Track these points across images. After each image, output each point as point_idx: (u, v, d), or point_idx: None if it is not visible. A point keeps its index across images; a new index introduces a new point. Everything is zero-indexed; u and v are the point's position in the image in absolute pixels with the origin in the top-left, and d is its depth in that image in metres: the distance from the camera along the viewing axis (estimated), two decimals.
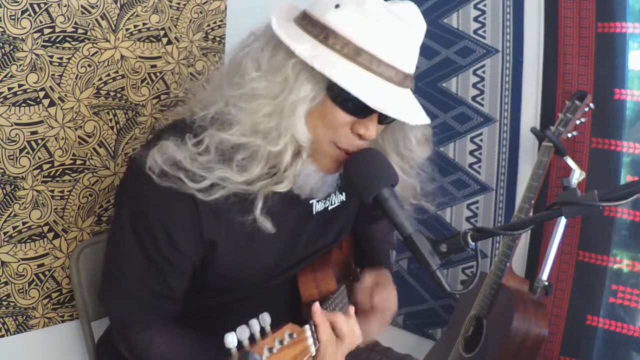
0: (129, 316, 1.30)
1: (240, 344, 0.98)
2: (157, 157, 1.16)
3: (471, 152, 2.13)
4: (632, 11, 1.75)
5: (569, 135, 1.80)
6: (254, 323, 1.00)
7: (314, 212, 1.37)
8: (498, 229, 1.18)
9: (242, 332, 0.98)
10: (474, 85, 2.09)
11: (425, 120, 1.21)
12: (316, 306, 1.13)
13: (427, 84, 2.20)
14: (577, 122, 1.80)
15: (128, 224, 1.24)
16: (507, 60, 2.01)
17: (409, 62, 1.17)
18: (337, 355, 1.13)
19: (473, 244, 1.10)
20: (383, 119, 1.20)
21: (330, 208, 1.40)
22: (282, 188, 1.17)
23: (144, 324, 1.29)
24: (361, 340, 1.17)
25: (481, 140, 2.10)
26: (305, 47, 1.12)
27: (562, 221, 1.80)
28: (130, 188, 1.26)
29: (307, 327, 1.06)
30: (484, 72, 2.07)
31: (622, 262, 1.82)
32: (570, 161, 1.79)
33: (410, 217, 1.18)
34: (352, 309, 1.20)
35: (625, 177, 1.82)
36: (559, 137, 1.78)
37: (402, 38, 1.15)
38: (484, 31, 2.05)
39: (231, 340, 0.97)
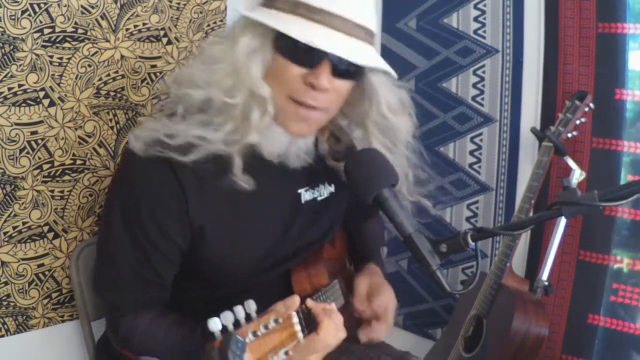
0: (117, 300, 1.32)
1: (224, 329, 0.97)
2: (138, 133, 1.22)
3: (471, 152, 2.13)
4: (633, 12, 1.75)
5: (569, 135, 1.80)
6: (239, 309, 0.99)
7: (303, 202, 1.38)
8: (498, 229, 1.19)
9: (227, 317, 0.98)
10: (474, 85, 2.09)
11: (374, 62, 1.21)
12: (295, 299, 1.11)
13: (427, 84, 2.20)
14: (577, 122, 1.80)
15: (117, 210, 1.27)
16: (507, 60, 2.01)
17: (354, 11, 1.18)
18: (328, 347, 1.12)
19: (473, 244, 1.10)
20: (337, 72, 1.19)
21: (319, 199, 1.42)
22: (253, 139, 1.21)
23: (131, 308, 1.30)
24: (343, 335, 1.15)
25: (481, 140, 2.10)
26: (253, 12, 1.19)
27: (562, 221, 1.80)
28: (118, 173, 1.31)
29: (294, 313, 1.05)
30: (484, 72, 2.07)
31: (622, 262, 1.82)
32: (570, 161, 1.79)
33: (410, 217, 1.19)
34: (333, 305, 1.17)
35: (626, 177, 1.82)
36: (559, 137, 1.78)
37: None
38: (484, 31, 2.05)
39: (215, 324, 0.96)
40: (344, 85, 1.24)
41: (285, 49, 1.18)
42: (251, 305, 1.00)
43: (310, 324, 1.11)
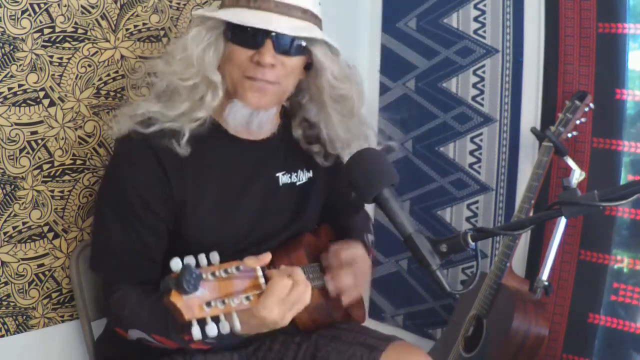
0: (110, 276, 1.41)
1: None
2: (114, 119, 1.42)
3: (471, 152, 2.14)
4: (633, 12, 1.75)
5: (569, 135, 1.81)
6: (202, 257, 1.02)
7: (280, 184, 1.49)
8: (498, 229, 1.19)
9: (189, 259, 1.00)
10: (474, 85, 2.10)
11: (303, 32, 1.34)
12: (267, 255, 1.13)
13: (427, 84, 2.20)
14: (577, 122, 1.80)
15: (106, 191, 1.43)
16: (507, 60, 2.01)
17: None
18: (285, 298, 1.12)
19: (473, 244, 1.10)
20: (280, 49, 1.33)
21: (298, 184, 1.52)
22: (201, 114, 1.36)
23: (123, 284, 1.37)
24: (309, 297, 1.15)
25: (481, 140, 2.10)
26: (204, 12, 1.38)
27: (562, 221, 1.80)
28: (109, 159, 1.51)
29: (258, 267, 1.07)
30: (484, 72, 2.07)
31: (623, 261, 1.83)
32: (570, 161, 1.79)
33: (410, 218, 1.19)
34: (298, 270, 1.17)
35: (626, 177, 1.82)
36: (559, 137, 1.78)
37: None
38: (484, 31, 2.05)
39: (175, 264, 0.98)
40: (289, 61, 1.36)
41: (233, 36, 1.35)
42: (215, 256, 1.05)
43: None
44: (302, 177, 1.54)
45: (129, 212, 1.36)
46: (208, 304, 1.00)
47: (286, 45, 1.34)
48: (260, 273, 1.08)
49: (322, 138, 1.50)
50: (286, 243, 1.49)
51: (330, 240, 1.59)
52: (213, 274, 1.02)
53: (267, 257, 1.12)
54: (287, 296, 1.11)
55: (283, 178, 1.50)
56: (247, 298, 1.05)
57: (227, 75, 1.37)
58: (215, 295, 1.01)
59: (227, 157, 1.42)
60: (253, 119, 1.40)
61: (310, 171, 1.55)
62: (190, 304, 0.99)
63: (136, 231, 1.36)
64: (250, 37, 1.33)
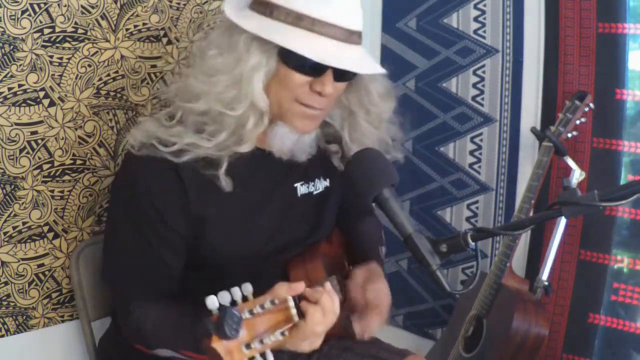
0: (129, 293, 1.35)
1: (222, 307, 0.98)
2: (135, 132, 1.30)
3: (471, 152, 2.13)
4: (633, 12, 1.75)
5: (569, 135, 1.80)
6: (236, 290, 1.01)
7: (299, 195, 1.44)
8: (498, 229, 1.19)
9: (224, 296, 0.99)
10: (474, 85, 2.09)
11: (374, 69, 1.32)
12: (301, 284, 1.12)
13: (427, 84, 2.20)
14: (577, 122, 1.80)
15: (121, 205, 1.35)
16: (507, 60, 2.01)
17: (350, 18, 1.28)
18: (320, 331, 1.13)
19: (473, 244, 1.10)
20: (338, 77, 1.28)
21: (315, 193, 1.47)
22: (244, 149, 1.28)
23: (140, 300, 1.33)
24: (333, 319, 1.16)
25: (481, 140, 2.10)
26: (254, 23, 1.25)
27: (563, 221, 1.80)
28: (120, 171, 1.41)
29: (290, 297, 1.06)
30: (484, 72, 2.07)
31: (623, 261, 1.83)
32: (570, 161, 1.79)
33: (410, 218, 1.19)
34: (327, 284, 1.19)
35: (626, 177, 1.82)
36: (559, 137, 1.78)
37: None
38: (484, 31, 2.05)
39: (212, 302, 0.98)
40: (342, 86, 1.33)
41: (292, 61, 1.25)
42: (248, 287, 1.03)
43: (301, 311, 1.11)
44: (319, 185, 1.49)
45: (146, 228, 1.30)
46: (247, 345, 1.00)
47: (345, 74, 1.30)
48: (292, 304, 1.06)
49: (344, 140, 1.45)
50: (302, 253, 1.45)
51: (345, 251, 1.57)
52: (250, 311, 1.01)
53: (300, 286, 1.11)
54: (319, 327, 1.12)
55: (301, 189, 1.45)
56: (282, 333, 1.05)
57: (273, 96, 1.28)
58: (253, 334, 1.01)
59: (248, 170, 1.34)
60: (299, 145, 1.35)
61: (328, 179, 1.50)
62: (230, 348, 0.98)
63: (154, 247, 1.31)
64: (311, 65, 1.24)
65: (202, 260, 1.36)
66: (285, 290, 1.08)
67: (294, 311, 1.06)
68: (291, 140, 1.34)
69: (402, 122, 1.50)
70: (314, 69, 1.25)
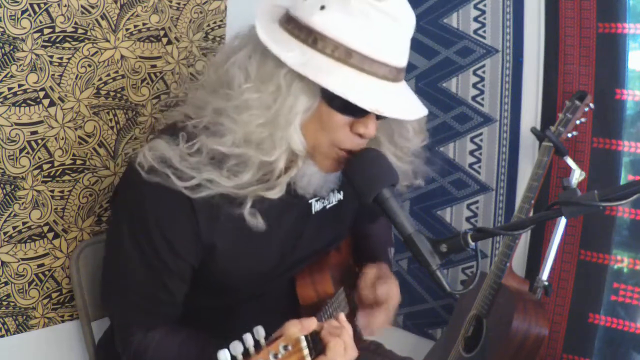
0: (129, 320, 1.30)
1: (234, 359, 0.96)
2: (148, 154, 1.16)
3: (471, 152, 2.13)
4: (633, 12, 1.75)
5: (569, 135, 1.80)
6: (248, 337, 0.98)
7: (313, 212, 1.38)
8: (498, 229, 1.19)
9: (236, 347, 0.96)
10: (474, 85, 2.09)
11: (423, 112, 1.24)
12: (312, 321, 1.07)
13: (427, 84, 2.20)
14: (577, 122, 1.80)
15: (126, 229, 1.24)
16: (507, 60, 2.01)
17: (400, 57, 1.17)
18: None
19: (473, 244, 1.10)
20: (379, 116, 1.19)
21: (328, 207, 1.41)
22: (273, 195, 1.17)
23: (142, 326, 1.29)
24: (354, 354, 1.13)
25: (481, 140, 2.10)
26: (295, 54, 1.11)
27: (563, 221, 1.80)
28: (126, 190, 1.27)
29: (302, 337, 1.03)
30: (484, 72, 2.06)
31: (623, 261, 1.83)
32: (570, 161, 1.79)
33: (410, 218, 1.19)
34: (342, 315, 1.15)
35: (626, 177, 1.82)
36: (559, 137, 1.78)
37: (392, 34, 1.14)
38: (484, 31, 2.05)
39: (224, 356, 0.95)
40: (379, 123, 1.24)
41: (335, 102, 1.14)
42: (260, 331, 0.98)
43: (318, 344, 1.09)
44: (333, 199, 1.41)
45: (153, 257, 1.22)
46: None
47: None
48: (304, 344, 1.03)
49: None
50: (310, 265, 1.41)
51: (354, 260, 1.56)
52: None
53: (311, 324, 1.05)
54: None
55: (316, 205, 1.37)
56: None
57: (309, 137, 1.16)
58: None
59: (268, 202, 1.21)
60: (326, 184, 1.26)
61: (341, 192, 1.43)
62: None
63: (159, 276, 1.24)
64: (355, 107, 1.11)
65: (208, 281, 1.31)
66: (297, 330, 1.02)
67: (305, 352, 1.03)
68: (318, 180, 1.24)
69: (429, 157, 1.41)
70: (358, 110, 1.14)
